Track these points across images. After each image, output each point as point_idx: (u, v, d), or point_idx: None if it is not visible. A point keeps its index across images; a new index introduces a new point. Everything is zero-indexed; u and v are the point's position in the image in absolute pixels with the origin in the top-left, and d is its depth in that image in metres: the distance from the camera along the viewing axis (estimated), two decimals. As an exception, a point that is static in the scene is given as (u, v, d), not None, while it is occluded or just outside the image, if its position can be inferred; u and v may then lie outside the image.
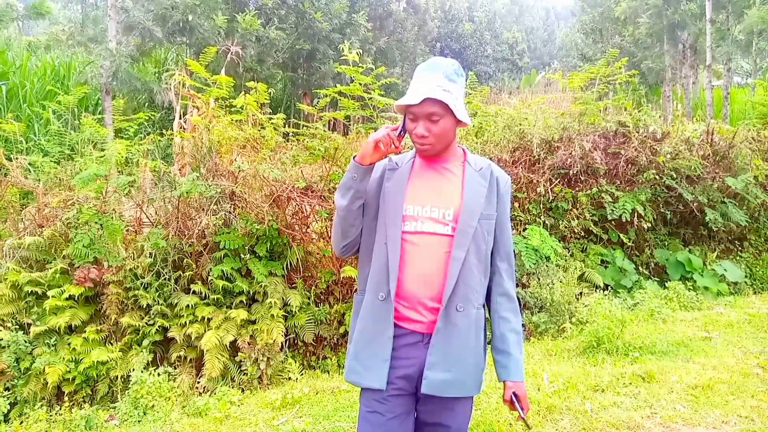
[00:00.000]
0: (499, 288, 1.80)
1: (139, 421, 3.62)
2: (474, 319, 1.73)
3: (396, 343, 1.71)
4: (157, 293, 4.37)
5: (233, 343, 4.23)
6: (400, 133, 1.68)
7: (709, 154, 6.74)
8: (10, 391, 3.94)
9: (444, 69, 1.67)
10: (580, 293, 5.33)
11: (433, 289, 1.69)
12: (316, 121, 5.11)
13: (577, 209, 5.93)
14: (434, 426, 1.78)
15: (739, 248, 6.83)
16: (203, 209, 4.61)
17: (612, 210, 5.86)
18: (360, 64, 5.06)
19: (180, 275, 4.46)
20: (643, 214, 5.96)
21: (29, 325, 4.12)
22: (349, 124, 6.14)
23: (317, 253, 4.84)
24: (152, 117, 8.49)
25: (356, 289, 1.89)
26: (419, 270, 1.69)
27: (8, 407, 3.82)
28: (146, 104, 12.18)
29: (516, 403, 1.74)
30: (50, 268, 4.26)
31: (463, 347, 1.71)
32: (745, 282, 6.35)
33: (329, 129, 5.35)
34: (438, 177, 1.76)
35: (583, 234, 6.01)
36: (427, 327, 1.70)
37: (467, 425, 1.81)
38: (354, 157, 1.69)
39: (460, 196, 1.73)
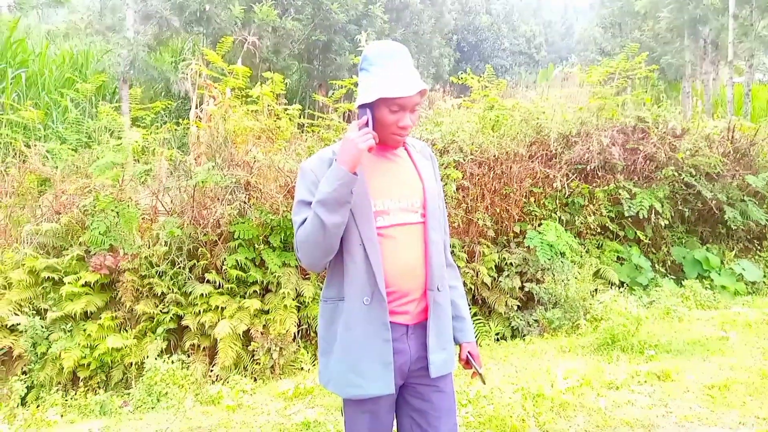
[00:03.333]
0: (446, 259, 1.83)
1: (152, 408, 3.65)
2: (448, 294, 1.78)
3: None
4: (172, 281, 4.40)
5: (246, 332, 4.25)
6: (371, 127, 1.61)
7: (729, 152, 6.62)
8: (27, 375, 4.01)
9: (409, 55, 1.65)
10: (595, 290, 5.27)
11: (418, 278, 1.68)
12: (332, 113, 5.11)
13: (593, 205, 5.86)
14: (426, 414, 1.72)
15: (758, 247, 6.71)
16: (218, 199, 4.62)
17: (629, 206, 5.78)
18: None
19: (195, 264, 4.49)
20: (660, 212, 5.88)
21: (46, 310, 4.18)
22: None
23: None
24: (169, 106, 8.53)
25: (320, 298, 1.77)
26: (403, 263, 1.66)
27: (25, 390, 3.88)
28: (163, 93, 12.22)
29: (472, 361, 1.84)
30: (67, 255, 4.30)
31: (447, 323, 1.76)
32: (764, 281, 6.24)
33: (344, 120, 5.34)
34: (393, 166, 1.73)
35: (599, 230, 5.95)
36: (412, 318, 1.69)
37: (455, 404, 1.81)
38: (342, 169, 1.53)
39: (419, 181, 1.73)
